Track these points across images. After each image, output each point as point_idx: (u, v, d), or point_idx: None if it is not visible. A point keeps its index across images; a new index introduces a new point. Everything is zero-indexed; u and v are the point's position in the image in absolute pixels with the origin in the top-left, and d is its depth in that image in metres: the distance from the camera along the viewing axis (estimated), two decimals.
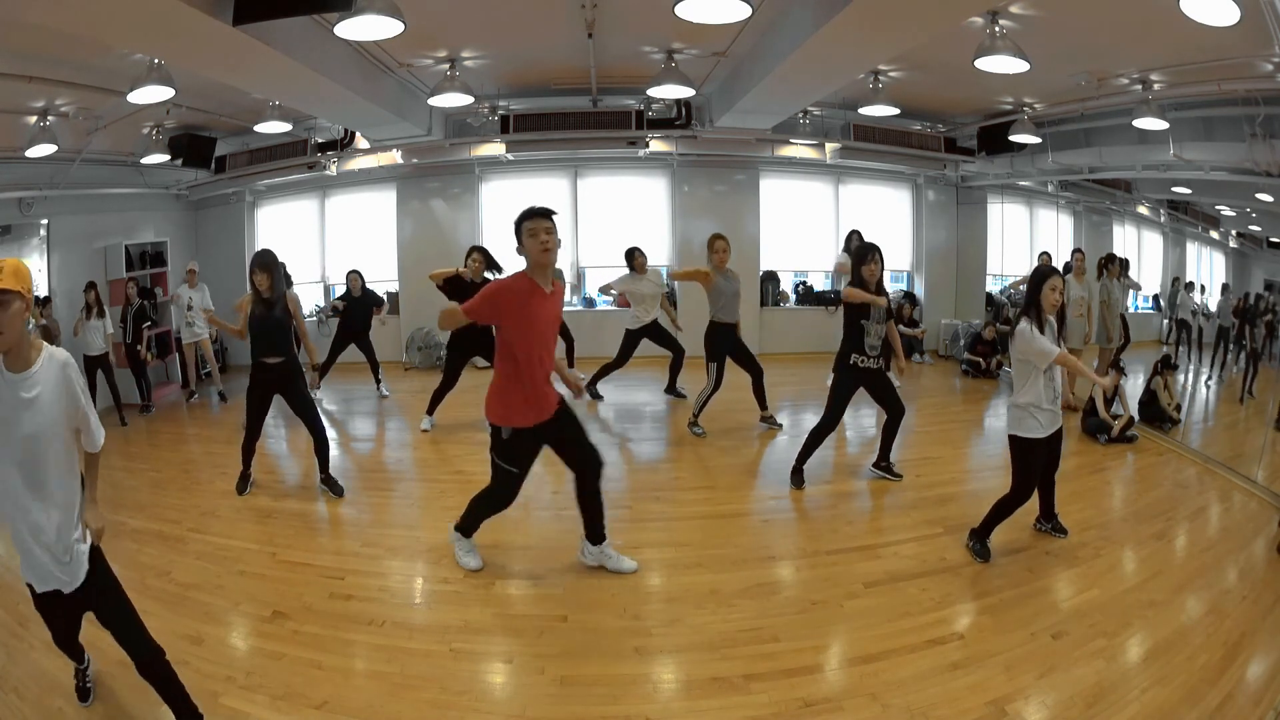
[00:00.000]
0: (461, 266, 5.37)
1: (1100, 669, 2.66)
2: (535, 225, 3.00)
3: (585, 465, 3.32)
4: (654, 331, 6.36)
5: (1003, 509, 3.55)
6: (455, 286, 5.18)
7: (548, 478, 4.87)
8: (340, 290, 9.12)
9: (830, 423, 4.41)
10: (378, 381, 7.27)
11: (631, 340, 6.37)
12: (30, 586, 2.13)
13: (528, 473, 3.27)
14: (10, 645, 2.93)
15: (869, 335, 4.25)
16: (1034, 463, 3.47)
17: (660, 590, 3.35)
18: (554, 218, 3.06)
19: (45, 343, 2.09)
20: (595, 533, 3.42)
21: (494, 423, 3.16)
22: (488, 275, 5.33)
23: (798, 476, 4.53)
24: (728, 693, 2.58)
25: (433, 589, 3.37)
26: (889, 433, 4.50)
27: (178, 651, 2.82)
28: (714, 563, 3.53)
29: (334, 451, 4.72)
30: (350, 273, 7.18)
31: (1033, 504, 4.21)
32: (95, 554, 2.17)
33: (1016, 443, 3.48)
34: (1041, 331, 3.36)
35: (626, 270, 6.33)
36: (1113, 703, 2.47)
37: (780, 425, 5.68)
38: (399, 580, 3.40)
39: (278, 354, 4.34)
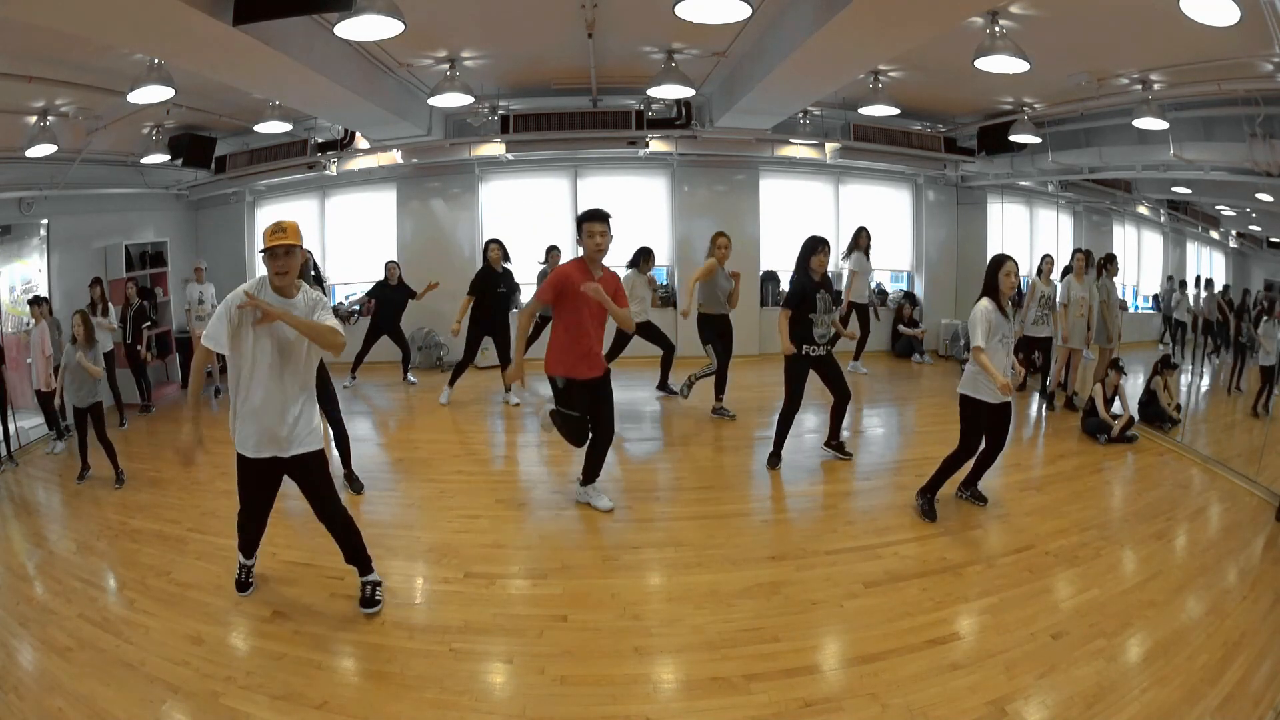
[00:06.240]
0: (480, 262, 6.45)
1: (1100, 669, 2.66)
2: (592, 227, 3.77)
3: (600, 432, 4.01)
4: (645, 329, 6.35)
5: (949, 464, 3.96)
6: (482, 279, 6.22)
7: (547, 477, 4.89)
8: (341, 290, 9.17)
9: (792, 405, 4.69)
10: (406, 371, 7.52)
11: (621, 337, 6.36)
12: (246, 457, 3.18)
13: (586, 415, 3.91)
14: (10, 645, 2.93)
15: (818, 326, 4.55)
16: (979, 422, 3.87)
17: (660, 590, 3.35)
18: (609, 220, 3.81)
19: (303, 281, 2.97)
20: (587, 477, 4.15)
21: (553, 375, 3.90)
22: (506, 266, 6.47)
23: (774, 459, 4.81)
24: (728, 693, 2.58)
25: (433, 589, 3.38)
26: (837, 414, 4.89)
27: (178, 652, 2.84)
28: (714, 563, 3.53)
29: (333, 452, 4.71)
30: (389, 263, 7.44)
31: (1029, 503, 4.27)
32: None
33: (965, 401, 3.89)
34: (1002, 313, 3.79)
35: (631, 268, 6.31)
36: (1113, 703, 2.48)
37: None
38: (399, 580, 3.39)
39: None
